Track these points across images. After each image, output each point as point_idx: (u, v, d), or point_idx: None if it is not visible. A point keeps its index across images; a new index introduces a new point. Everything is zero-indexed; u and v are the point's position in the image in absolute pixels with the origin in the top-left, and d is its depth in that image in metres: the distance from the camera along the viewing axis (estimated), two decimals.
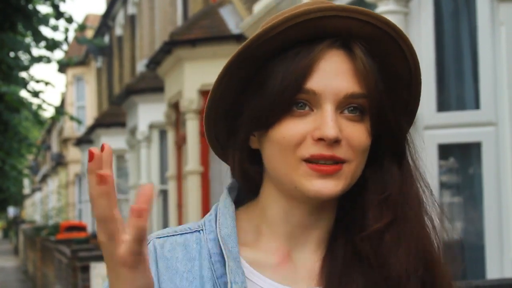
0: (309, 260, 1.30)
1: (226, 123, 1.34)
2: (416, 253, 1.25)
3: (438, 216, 1.33)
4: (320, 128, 1.20)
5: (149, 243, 1.29)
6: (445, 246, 1.33)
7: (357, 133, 1.23)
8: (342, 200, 1.30)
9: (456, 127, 6.14)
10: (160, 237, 1.32)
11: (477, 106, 6.08)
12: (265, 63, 1.25)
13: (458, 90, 6.33)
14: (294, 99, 1.22)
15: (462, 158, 6.36)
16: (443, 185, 6.32)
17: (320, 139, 1.20)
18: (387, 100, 1.26)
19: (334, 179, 1.22)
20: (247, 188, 1.36)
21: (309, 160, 1.21)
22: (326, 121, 1.20)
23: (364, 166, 1.27)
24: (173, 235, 1.31)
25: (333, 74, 1.22)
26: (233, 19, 11.85)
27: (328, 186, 1.21)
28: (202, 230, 1.31)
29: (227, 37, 11.36)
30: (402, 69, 1.29)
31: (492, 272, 5.79)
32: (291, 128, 1.22)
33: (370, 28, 1.23)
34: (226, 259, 1.23)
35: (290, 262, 1.30)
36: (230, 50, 11.04)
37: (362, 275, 1.25)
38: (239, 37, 11.06)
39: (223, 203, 1.33)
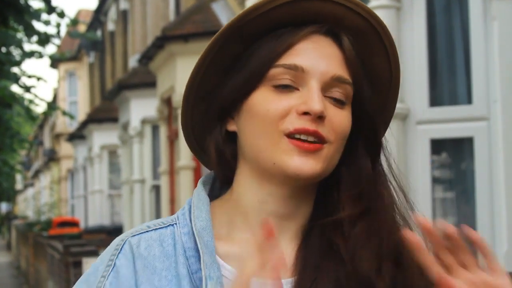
0: (284, 251, 1.26)
1: (205, 105, 1.32)
2: (386, 249, 1.24)
3: (408, 213, 1.32)
4: (306, 102, 1.20)
5: (124, 242, 1.26)
6: None
7: (339, 117, 1.23)
8: (320, 193, 1.30)
9: (448, 122, 6.14)
10: (135, 235, 1.27)
11: (469, 101, 6.08)
12: (252, 43, 1.25)
13: (451, 85, 6.33)
14: (279, 73, 1.22)
15: (455, 153, 6.36)
16: (435, 180, 6.32)
17: (305, 113, 1.20)
18: (368, 93, 1.27)
19: (314, 157, 1.20)
20: (222, 176, 1.34)
21: (291, 135, 1.20)
22: (313, 96, 1.20)
23: (340, 155, 1.27)
24: (147, 231, 1.28)
25: (320, 55, 1.23)
26: (225, 14, 11.83)
27: (308, 164, 1.20)
28: (175, 224, 1.29)
29: None
30: (383, 66, 1.31)
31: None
32: (275, 102, 1.21)
33: (359, 20, 1.24)
34: (201, 254, 1.21)
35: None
36: None
37: (335, 269, 1.23)
38: None
39: (197, 196, 1.31)
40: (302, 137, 1.20)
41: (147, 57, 13.20)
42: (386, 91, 1.34)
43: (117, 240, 1.27)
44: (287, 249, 1.28)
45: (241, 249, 1.26)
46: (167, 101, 13.04)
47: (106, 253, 1.27)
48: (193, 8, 12.69)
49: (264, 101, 1.22)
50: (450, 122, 6.13)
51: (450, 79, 6.33)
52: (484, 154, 5.90)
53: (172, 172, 13.20)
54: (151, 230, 1.28)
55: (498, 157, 5.82)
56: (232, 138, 1.30)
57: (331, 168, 1.25)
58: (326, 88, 1.22)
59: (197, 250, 1.23)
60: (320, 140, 1.21)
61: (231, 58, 1.27)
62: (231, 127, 1.29)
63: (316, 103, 1.19)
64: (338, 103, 1.23)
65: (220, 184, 1.37)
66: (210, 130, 1.31)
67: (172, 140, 13.12)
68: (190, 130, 1.36)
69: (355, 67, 1.25)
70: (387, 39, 1.28)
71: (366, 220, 1.25)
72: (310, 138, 1.20)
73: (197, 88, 1.30)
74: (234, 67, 1.27)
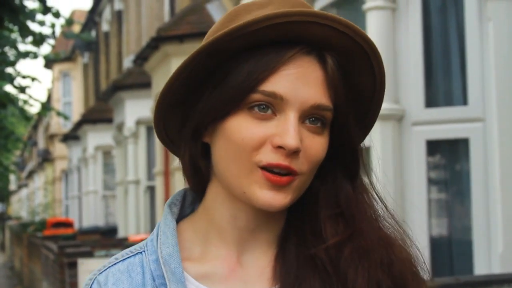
0: (260, 263, 1.27)
1: (180, 113, 1.28)
2: (379, 267, 1.22)
3: (394, 227, 1.30)
4: (282, 136, 1.15)
5: (92, 282, 1.26)
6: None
7: (315, 146, 1.19)
8: (294, 206, 1.26)
9: (444, 123, 6.15)
10: (102, 271, 1.27)
11: (465, 102, 6.09)
12: (233, 57, 1.20)
13: (446, 86, 6.34)
14: (257, 99, 1.17)
15: (450, 154, 6.37)
16: (431, 181, 6.33)
17: (280, 147, 1.15)
18: (351, 115, 1.24)
19: (285, 191, 1.18)
20: (198, 187, 1.31)
21: (264, 168, 1.17)
22: (289, 130, 1.15)
23: (312, 177, 1.24)
24: (114, 264, 1.27)
25: (303, 82, 1.17)
26: (220, 15, 11.83)
27: (278, 198, 1.17)
28: (144, 251, 1.27)
29: None
30: (367, 84, 1.26)
31: (480, 268, 5.81)
32: (251, 131, 1.17)
33: (346, 40, 1.19)
34: (167, 282, 1.20)
35: (240, 268, 1.26)
36: None
37: (319, 279, 1.22)
38: None
39: (164, 220, 1.28)
40: (275, 169, 1.17)
41: (142, 57, 13.19)
42: (368, 104, 1.29)
43: (87, 280, 1.27)
44: (263, 259, 1.27)
45: (217, 267, 1.25)
46: None
47: None
48: (188, 8, 12.68)
49: (239, 128, 1.18)
50: (446, 123, 6.14)
51: (445, 80, 6.34)
52: (479, 155, 5.91)
53: (167, 173, 13.19)
54: (119, 261, 1.27)
55: (494, 158, 5.83)
56: (206, 149, 1.27)
57: (302, 192, 1.23)
58: (304, 116, 1.18)
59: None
60: (292, 173, 1.18)
61: (205, 72, 1.22)
62: (205, 138, 1.26)
63: (291, 138, 1.15)
64: (315, 130, 1.20)
65: (192, 199, 1.35)
66: (185, 141, 1.28)
67: None
68: (164, 134, 1.34)
69: (337, 90, 1.20)
70: (375, 60, 1.22)
71: (353, 242, 1.23)
72: (283, 171, 1.17)
73: (170, 98, 1.26)
74: (208, 81, 1.22)
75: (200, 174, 1.28)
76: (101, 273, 1.26)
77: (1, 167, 24.07)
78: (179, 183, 11.43)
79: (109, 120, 20.70)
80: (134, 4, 20.27)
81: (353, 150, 1.27)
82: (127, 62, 19.62)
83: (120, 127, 17.76)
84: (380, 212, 1.29)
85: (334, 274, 1.21)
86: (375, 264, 1.22)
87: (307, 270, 1.22)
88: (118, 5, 22.76)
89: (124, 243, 13.15)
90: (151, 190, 16.27)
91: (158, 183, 13.70)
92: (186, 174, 1.31)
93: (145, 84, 15.06)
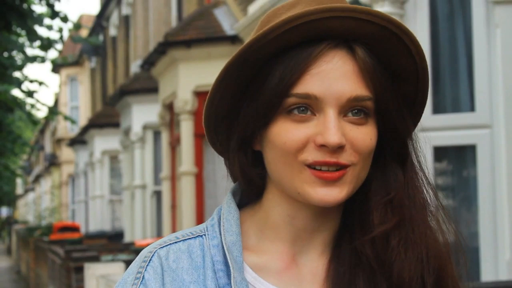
0: (314, 264, 1.27)
1: (226, 126, 1.29)
2: (427, 258, 1.23)
3: (442, 217, 1.31)
4: (323, 134, 1.16)
5: (152, 254, 1.25)
6: (451, 247, 1.31)
7: (361, 136, 1.19)
8: (348, 201, 1.26)
9: (451, 129, 6.14)
10: (163, 246, 1.26)
11: (472, 108, 6.08)
12: (264, 65, 1.21)
13: (454, 92, 6.33)
14: (293, 103, 1.18)
15: (457, 160, 6.36)
16: (438, 188, 6.31)
17: (323, 146, 1.16)
18: (393, 101, 1.23)
19: (338, 185, 1.18)
20: (250, 192, 1.32)
21: (312, 166, 1.18)
22: (329, 127, 1.16)
23: (369, 167, 1.24)
24: (175, 242, 1.27)
25: (334, 77, 1.18)
26: (227, 20, 11.84)
27: (332, 194, 1.18)
28: (204, 235, 1.28)
29: (221, 38, 11.35)
30: (407, 65, 1.24)
31: (487, 275, 5.79)
32: (292, 133, 1.18)
33: (372, 27, 1.18)
34: (231, 270, 1.20)
35: (295, 267, 1.26)
36: (225, 51, 11.05)
37: (366, 281, 1.22)
38: (233, 38, 11.04)
39: (227, 207, 1.29)
40: (323, 168, 1.18)
41: (149, 62, 13.20)
42: (415, 87, 1.28)
43: (145, 252, 1.26)
44: (318, 261, 1.28)
45: (272, 261, 1.26)
46: (169, 107, 13.04)
47: (134, 264, 1.26)
48: (195, 13, 12.69)
49: (281, 132, 1.19)
50: (453, 130, 6.13)
51: (453, 87, 6.33)
52: (486, 162, 5.90)
53: (174, 178, 13.19)
54: (180, 241, 1.27)
55: (501, 164, 5.81)
56: (258, 155, 1.28)
57: (360, 184, 1.23)
58: (344, 110, 1.19)
59: (226, 264, 1.22)
60: (342, 167, 1.18)
61: (243, 83, 1.24)
62: (257, 146, 1.27)
63: (332, 135, 1.15)
64: (359, 121, 1.20)
65: (248, 194, 1.35)
66: (233, 152, 1.29)
67: (174, 145, 13.11)
68: (217, 143, 1.34)
69: (373, 78, 1.20)
70: (407, 39, 1.21)
71: (401, 231, 1.23)
72: (332, 168, 1.18)
73: (216, 111, 1.28)
74: (247, 92, 1.24)
75: (252, 181, 1.30)
76: (162, 247, 1.26)
77: (8, 171, 24.13)
78: (186, 187, 11.43)
79: (116, 125, 20.74)
80: (141, 9, 20.30)
81: (400, 135, 1.27)
82: (134, 67, 19.65)
83: (127, 132, 17.79)
84: (429, 201, 1.30)
85: (379, 268, 1.21)
86: (420, 257, 1.22)
87: (357, 275, 1.23)
88: (125, 10, 22.80)
89: (130, 248, 13.16)
90: (157, 194, 16.28)
91: (165, 187, 13.70)
92: (240, 182, 1.32)
93: (152, 89, 15.08)
